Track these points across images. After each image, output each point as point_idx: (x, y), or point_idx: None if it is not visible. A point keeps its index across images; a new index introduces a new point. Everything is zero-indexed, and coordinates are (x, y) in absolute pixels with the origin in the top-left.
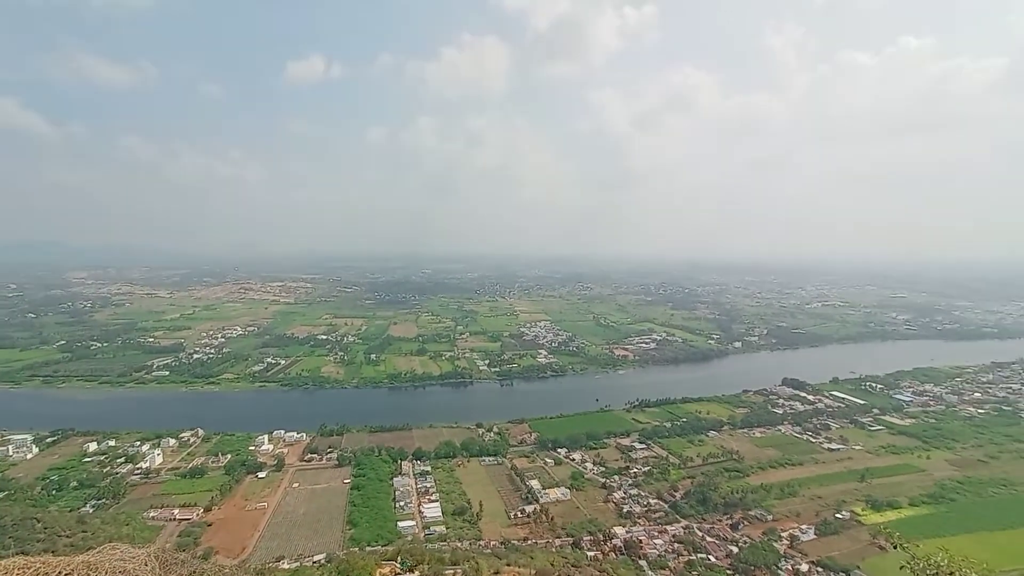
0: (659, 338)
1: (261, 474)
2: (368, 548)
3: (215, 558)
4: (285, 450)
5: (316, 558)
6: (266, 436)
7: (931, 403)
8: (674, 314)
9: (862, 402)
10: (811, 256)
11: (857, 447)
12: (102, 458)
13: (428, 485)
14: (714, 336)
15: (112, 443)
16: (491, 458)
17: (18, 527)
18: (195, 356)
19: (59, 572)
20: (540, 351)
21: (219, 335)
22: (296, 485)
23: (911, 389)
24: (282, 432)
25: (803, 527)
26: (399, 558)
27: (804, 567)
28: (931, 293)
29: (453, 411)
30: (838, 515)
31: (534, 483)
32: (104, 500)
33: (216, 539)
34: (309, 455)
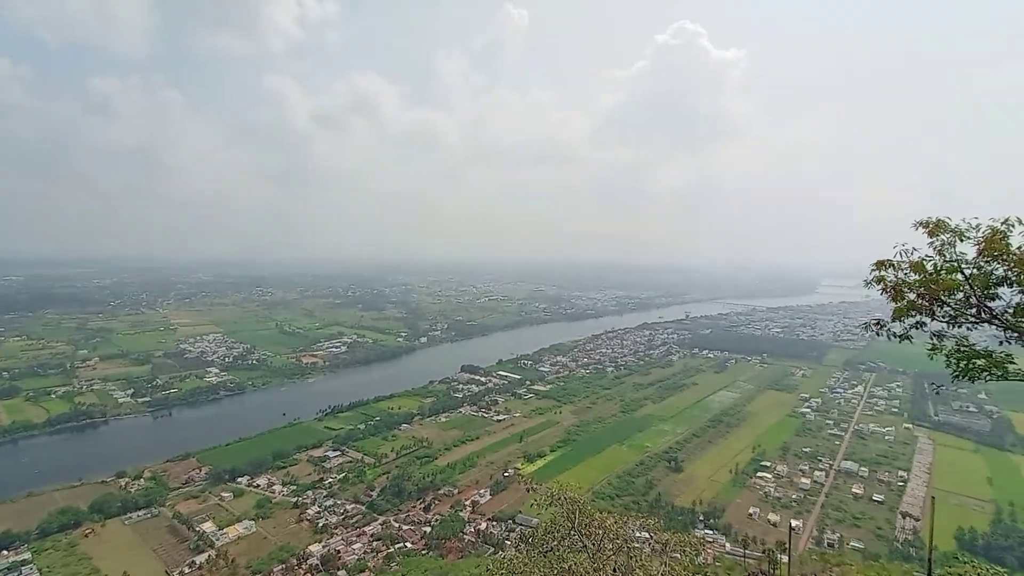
0: (349, 341)
1: None
2: None
3: None
4: None
5: None
6: None
7: (561, 370)
8: (364, 316)
9: (519, 377)
10: (481, 257)
11: (517, 414)
12: None
13: None
14: (402, 334)
15: None
16: (141, 512)
17: None
18: None
19: None
20: (209, 369)
21: None
22: None
23: (549, 361)
24: None
25: (481, 491)
26: None
27: (483, 525)
28: (559, 286)
29: (74, 466)
30: (505, 474)
31: (207, 526)
32: None
33: None
34: None
